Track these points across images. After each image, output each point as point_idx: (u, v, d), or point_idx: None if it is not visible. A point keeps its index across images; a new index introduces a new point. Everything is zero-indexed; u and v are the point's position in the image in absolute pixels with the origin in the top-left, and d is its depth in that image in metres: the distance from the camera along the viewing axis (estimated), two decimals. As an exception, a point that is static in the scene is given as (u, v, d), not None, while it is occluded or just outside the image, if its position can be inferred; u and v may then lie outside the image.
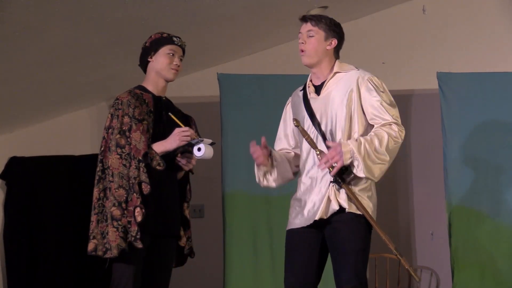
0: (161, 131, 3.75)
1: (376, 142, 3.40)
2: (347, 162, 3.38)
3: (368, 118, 3.53)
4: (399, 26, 6.03)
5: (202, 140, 3.69)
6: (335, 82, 3.58)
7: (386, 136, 3.41)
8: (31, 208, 5.89)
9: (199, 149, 3.69)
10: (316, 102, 3.60)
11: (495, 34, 5.87)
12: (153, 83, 3.83)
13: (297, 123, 3.51)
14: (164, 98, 3.86)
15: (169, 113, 3.77)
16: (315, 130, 3.55)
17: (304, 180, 3.61)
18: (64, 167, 6.00)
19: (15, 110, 5.66)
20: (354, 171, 3.40)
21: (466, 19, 5.95)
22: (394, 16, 6.03)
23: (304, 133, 3.51)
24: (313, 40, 3.58)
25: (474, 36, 5.90)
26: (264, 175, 3.71)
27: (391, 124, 3.46)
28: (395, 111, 3.50)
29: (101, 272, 3.77)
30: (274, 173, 3.70)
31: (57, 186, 5.95)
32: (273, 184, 3.73)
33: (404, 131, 3.49)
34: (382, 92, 3.51)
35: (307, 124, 3.58)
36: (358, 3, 5.72)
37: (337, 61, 3.63)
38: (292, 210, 3.64)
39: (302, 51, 3.60)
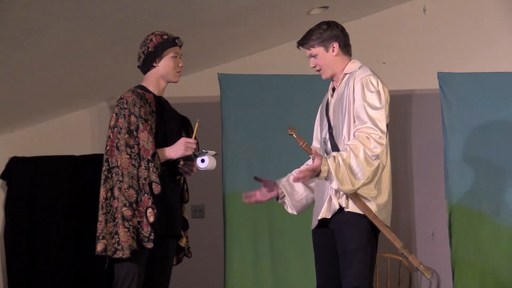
0: (163, 132, 3.75)
1: (353, 161, 3.32)
2: (322, 178, 3.34)
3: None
4: (399, 26, 6.02)
5: (207, 152, 3.71)
6: (344, 83, 3.57)
7: (361, 151, 3.32)
8: (31, 208, 5.89)
9: (202, 161, 3.71)
10: (331, 105, 3.62)
11: (495, 34, 5.86)
12: (154, 84, 3.81)
13: (291, 132, 3.46)
14: (162, 98, 3.86)
15: (197, 120, 3.76)
16: (332, 132, 3.55)
17: (318, 182, 3.62)
18: (65, 167, 6.00)
19: (16, 110, 5.66)
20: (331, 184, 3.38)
21: (467, 19, 5.94)
22: (394, 16, 6.02)
23: (299, 140, 3.46)
24: (318, 59, 3.59)
25: (475, 36, 5.89)
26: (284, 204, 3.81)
27: (368, 137, 3.33)
28: (377, 114, 3.38)
29: (101, 272, 3.75)
30: (288, 201, 3.77)
31: (57, 186, 5.95)
32: (293, 212, 3.80)
33: (382, 138, 3.35)
34: (372, 92, 3.41)
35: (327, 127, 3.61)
36: (359, 3, 5.72)
37: (349, 62, 3.60)
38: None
39: (318, 71, 3.64)
